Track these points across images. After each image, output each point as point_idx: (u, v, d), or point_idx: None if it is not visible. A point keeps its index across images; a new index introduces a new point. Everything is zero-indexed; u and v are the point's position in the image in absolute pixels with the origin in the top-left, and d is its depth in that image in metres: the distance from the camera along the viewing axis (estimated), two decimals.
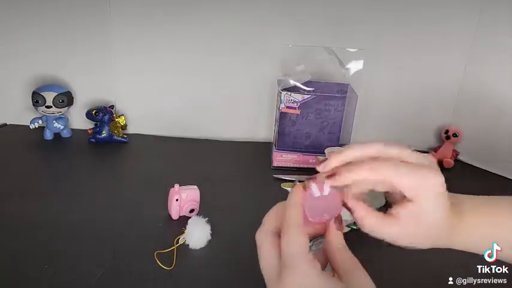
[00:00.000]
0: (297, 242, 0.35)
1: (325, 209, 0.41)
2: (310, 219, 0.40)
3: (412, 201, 0.35)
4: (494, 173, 0.91)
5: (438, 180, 0.35)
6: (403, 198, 0.36)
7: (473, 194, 0.42)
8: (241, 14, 0.91)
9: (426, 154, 0.36)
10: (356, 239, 0.65)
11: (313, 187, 0.39)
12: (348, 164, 0.36)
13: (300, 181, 0.40)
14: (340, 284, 0.35)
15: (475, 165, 0.94)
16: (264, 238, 0.37)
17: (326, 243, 0.38)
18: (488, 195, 0.41)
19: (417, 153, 0.36)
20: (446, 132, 0.94)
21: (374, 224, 0.36)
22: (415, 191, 0.35)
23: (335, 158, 0.36)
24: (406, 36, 0.91)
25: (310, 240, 0.40)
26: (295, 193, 0.37)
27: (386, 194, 0.39)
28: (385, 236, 0.37)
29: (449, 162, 0.93)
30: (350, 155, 0.36)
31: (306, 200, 0.40)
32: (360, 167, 0.35)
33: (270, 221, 0.39)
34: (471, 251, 0.39)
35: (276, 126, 0.86)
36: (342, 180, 0.36)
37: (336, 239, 0.37)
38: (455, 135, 0.93)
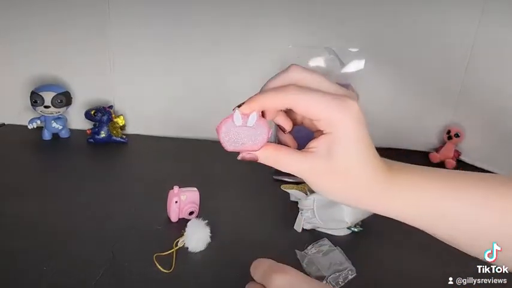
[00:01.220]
0: (267, 262, 0.38)
1: (243, 139, 0.37)
2: (224, 146, 0.37)
3: (326, 133, 0.31)
4: (496, 173, 0.91)
5: (354, 107, 0.31)
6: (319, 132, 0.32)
7: None
8: (241, 15, 0.91)
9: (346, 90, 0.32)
10: (356, 241, 0.65)
11: (236, 114, 0.35)
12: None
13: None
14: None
15: (477, 165, 0.94)
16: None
17: None
18: None
19: (337, 85, 0.32)
20: (448, 132, 0.94)
21: (283, 157, 0.33)
22: (327, 118, 0.31)
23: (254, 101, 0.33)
24: (407, 36, 0.91)
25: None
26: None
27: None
28: (296, 173, 0.33)
29: (451, 162, 0.93)
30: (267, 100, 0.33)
31: (225, 126, 0.37)
32: (265, 92, 0.33)
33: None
34: (396, 218, 0.35)
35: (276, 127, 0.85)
36: (249, 106, 0.33)
37: None
38: (457, 135, 0.93)
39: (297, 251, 0.59)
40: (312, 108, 0.31)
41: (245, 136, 0.36)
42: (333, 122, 0.31)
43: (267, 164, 0.34)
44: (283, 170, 0.34)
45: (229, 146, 0.37)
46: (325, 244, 0.61)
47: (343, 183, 0.33)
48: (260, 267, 0.38)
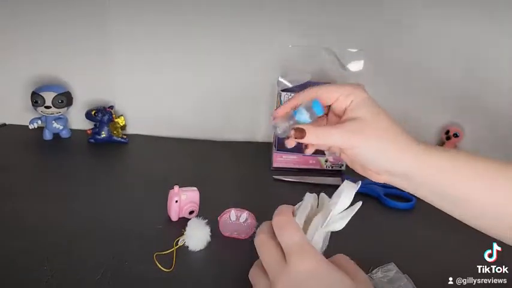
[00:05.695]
0: (299, 232, 0.37)
1: (237, 230, 0.58)
2: (223, 232, 0.59)
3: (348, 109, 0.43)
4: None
5: (359, 89, 0.45)
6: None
7: None
8: (241, 14, 0.91)
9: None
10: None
11: (232, 214, 0.57)
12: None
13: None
14: (348, 278, 0.35)
15: None
16: (263, 239, 0.39)
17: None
18: None
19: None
20: (447, 132, 0.94)
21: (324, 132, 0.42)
22: (346, 90, 0.44)
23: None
24: (406, 36, 0.91)
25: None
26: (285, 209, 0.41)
27: None
28: (340, 141, 0.43)
29: None
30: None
31: (223, 219, 0.58)
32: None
33: (266, 227, 0.40)
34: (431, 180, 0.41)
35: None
36: (284, 107, 0.45)
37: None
38: (456, 135, 0.93)
39: None
40: (332, 90, 0.43)
41: (237, 228, 0.58)
42: (352, 90, 0.44)
43: (316, 143, 0.43)
44: (328, 143, 0.43)
45: (225, 232, 0.59)
46: (392, 270, 0.54)
47: (384, 139, 0.41)
48: (283, 231, 0.38)
